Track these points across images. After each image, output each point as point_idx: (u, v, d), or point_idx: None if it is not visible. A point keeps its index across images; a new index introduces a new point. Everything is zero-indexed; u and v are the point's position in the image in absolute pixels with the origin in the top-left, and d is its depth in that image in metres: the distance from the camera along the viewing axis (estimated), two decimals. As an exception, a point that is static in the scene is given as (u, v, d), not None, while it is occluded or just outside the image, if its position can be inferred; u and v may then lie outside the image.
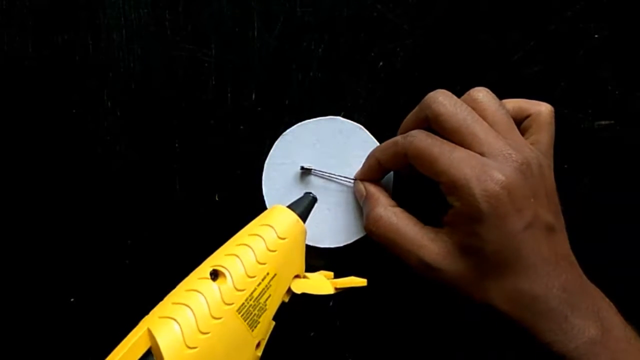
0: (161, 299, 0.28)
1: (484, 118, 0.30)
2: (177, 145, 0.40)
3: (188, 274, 0.30)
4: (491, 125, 0.30)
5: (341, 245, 0.38)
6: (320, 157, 0.38)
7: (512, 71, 0.38)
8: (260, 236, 0.30)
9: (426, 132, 0.30)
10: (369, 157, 0.35)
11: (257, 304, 0.29)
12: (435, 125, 0.30)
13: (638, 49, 0.38)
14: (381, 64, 0.39)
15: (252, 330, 0.28)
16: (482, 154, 0.28)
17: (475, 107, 0.30)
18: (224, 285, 0.28)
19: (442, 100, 0.30)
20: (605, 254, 0.39)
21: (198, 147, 0.39)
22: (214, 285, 0.27)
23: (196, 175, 0.40)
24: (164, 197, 0.40)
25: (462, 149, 0.29)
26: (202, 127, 0.39)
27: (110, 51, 0.39)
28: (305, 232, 0.33)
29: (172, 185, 0.40)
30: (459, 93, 0.38)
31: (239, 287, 0.28)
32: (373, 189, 0.34)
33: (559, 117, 0.38)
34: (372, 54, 0.39)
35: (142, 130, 0.40)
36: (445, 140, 0.29)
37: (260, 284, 0.29)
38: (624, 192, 0.39)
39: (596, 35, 0.38)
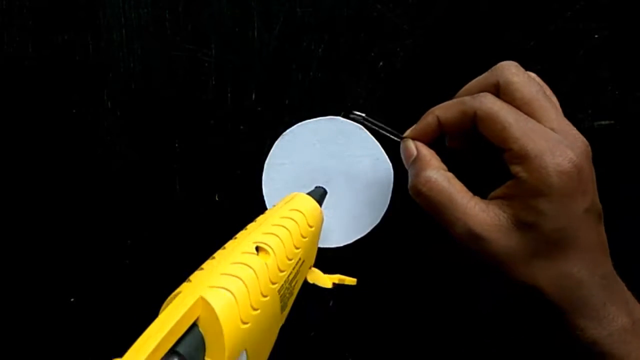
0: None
1: None
2: (177, 145, 0.40)
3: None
4: None
5: (340, 245, 0.38)
6: (320, 157, 0.38)
7: (512, 71, 0.38)
8: (295, 221, 0.29)
9: (495, 97, 0.29)
10: (426, 114, 0.32)
11: (289, 287, 0.28)
12: (505, 94, 0.29)
13: (638, 49, 0.38)
14: (381, 64, 0.39)
15: (282, 313, 0.27)
16: (552, 130, 0.28)
17: None
18: (270, 263, 0.26)
19: (515, 70, 0.29)
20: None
21: (198, 147, 0.39)
22: (262, 261, 0.26)
23: (196, 175, 0.40)
24: (164, 197, 0.40)
25: (535, 121, 0.28)
26: (202, 127, 0.39)
27: (110, 51, 0.39)
28: (322, 220, 0.33)
29: (172, 185, 0.40)
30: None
31: (281, 268, 0.27)
32: (425, 150, 0.32)
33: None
34: (372, 54, 0.39)
35: (142, 130, 0.40)
36: (516, 109, 0.29)
37: (294, 267, 0.28)
38: (624, 192, 0.39)
39: (596, 35, 0.38)
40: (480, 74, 0.39)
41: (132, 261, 0.40)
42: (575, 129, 0.29)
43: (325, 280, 0.33)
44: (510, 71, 0.29)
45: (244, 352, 0.23)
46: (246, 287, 0.24)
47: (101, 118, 0.40)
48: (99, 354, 0.40)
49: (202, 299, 0.22)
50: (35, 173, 0.40)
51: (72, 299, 0.40)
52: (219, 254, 0.26)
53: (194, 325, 0.21)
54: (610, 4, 0.38)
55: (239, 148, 0.39)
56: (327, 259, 0.39)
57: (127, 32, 0.39)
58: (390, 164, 0.38)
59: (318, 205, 0.33)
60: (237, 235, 0.28)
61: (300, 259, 0.29)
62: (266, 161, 0.39)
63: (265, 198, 0.38)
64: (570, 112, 0.39)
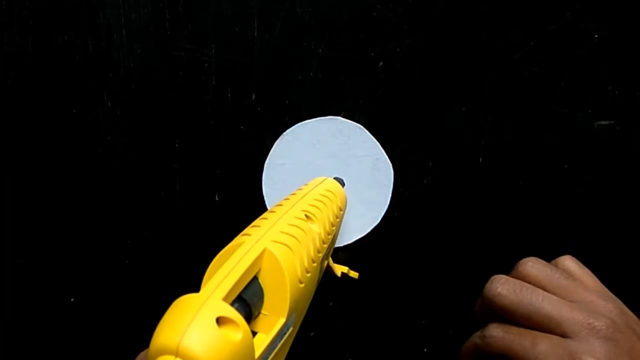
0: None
1: (545, 290, 0.29)
2: (177, 145, 0.40)
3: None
4: (555, 294, 0.28)
5: (341, 245, 0.38)
6: (320, 157, 0.38)
7: (512, 71, 0.38)
8: (330, 200, 0.30)
9: (500, 327, 0.29)
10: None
11: (324, 261, 0.28)
12: (506, 317, 0.29)
13: (638, 49, 0.38)
14: (381, 64, 0.39)
15: (316, 286, 0.27)
16: (563, 335, 0.26)
17: (529, 282, 0.29)
18: (316, 229, 0.26)
19: (501, 291, 0.29)
20: (606, 253, 0.39)
21: (198, 147, 0.39)
22: (312, 227, 0.26)
23: (196, 175, 0.40)
24: (164, 197, 0.40)
25: (543, 336, 0.27)
26: (202, 127, 0.39)
27: (110, 51, 0.39)
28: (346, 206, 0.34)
29: (172, 185, 0.40)
30: (458, 95, 0.38)
31: (324, 240, 0.27)
32: None
33: (559, 117, 0.38)
34: (372, 54, 0.39)
35: (142, 130, 0.40)
36: (522, 331, 0.28)
37: (330, 243, 0.28)
38: (624, 192, 0.39)
39: (596, 35, 0.38)
40: (481, 74, 0.39)
41: (132, 261, 0.40)
42: (586, 313, 0.27)
43: (336, 268, 0.34)
44: (498, 295, 0.29)
45: (293, 315, 0.22)
46: (304, 248, 0.24)
47: (101, 118, 0.39)
48: (99, 353, 0.40)
49: (268, 250, 0.22)
50: (35, 173, 0.40)
51: (72, 299, 0.40)
52: (269, 216, 0.26)
53: (254, 277, 0.21)
54: (610, 4, 0.38)
55: (239, 148, 0.39)
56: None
57: (127, 32, 0.39)
58: (390, 164, 0.38)
59: (344, 193, 0.34)
60: (282, 202, 0.28)
61: (334, 237, 0.29)
62: (266, 161, 0.39)
63: (265, 198, 0.38)
64: (570, 112, 0.39)
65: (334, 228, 0.29)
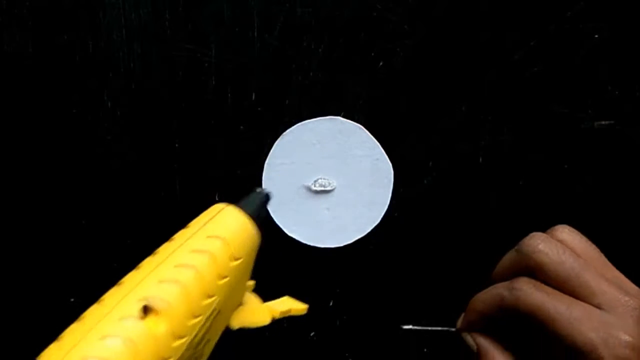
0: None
1: None
2: (177, 145, 0.40)
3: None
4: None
5: (341, 245, 0.38)
6: (320, 157, 0.38)
7: (512, 71, 0.38)
8: (210, 256, 0.21)
9: (532, 283, 0.28)
10: (469, 309, 0.31)
11: (194, 352, 0.20)
12: (540, 275, 0.28)
13: (638, 49, 0.38)
14: (381, 64, 0.39)
15: None
16: (598, 306, 0.26)
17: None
18: (159, 330, 0.18)
19: (543, 248, 0.28)
20: (605, 254, 0.39)
21: (198, 147, 0.39)
22: (148, 330, 0.18)
23: (196, 175, 0.40)
24: (164, 197, 0.40)
25: (578, 303, 0.26)
26: (202, 127, 0.39)
27: (110, 51, 0.39)
28: (259, 243, 0.24)
29: (172, 185, 0.40)
30: (458, 95, 0.39)
31: (180, 333, 0.19)
32: (485, 344, 0.30)
33: (559, 117, 0.39)
34: (372, 54, 0.39)
35: (142, 130, 0.40)
36: (558, 292, 0.27)
37: (203, 324, 0.20)
38: (624, 192, 0.39)
39: (596, 35, 0.38)
40: (481, 74, 0.39)
41: (132, 261, 0.40)
42: (621, 290, 0.26)
43: (261, 315, 0.25)
44: (539, 251, 0.28)
45: None
46: None
47: (101, 118, 0.39)
48: (99, 354, 0.40)
49: None
50: (35, 173, 0.40)
51: (72, 299, 0.40)
52: (96, 309, 0.20)
53: None
54: (610, 4, 0.38)
55: (239, 148, 0.39)
56: (327, 259, 0.39)
57: (127, 32, 0.39)
58: (390, 164, 0.38)
59: (251, 225, 0.23)
60: (143, 263, 0.22)
61: (214, 310, 0.21)
62: (266, 161, 0.39)
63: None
64: (570, 112, 0.39)
65: (211, 299, 0.20)
